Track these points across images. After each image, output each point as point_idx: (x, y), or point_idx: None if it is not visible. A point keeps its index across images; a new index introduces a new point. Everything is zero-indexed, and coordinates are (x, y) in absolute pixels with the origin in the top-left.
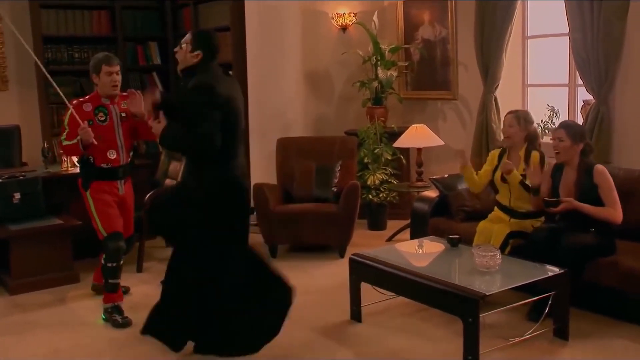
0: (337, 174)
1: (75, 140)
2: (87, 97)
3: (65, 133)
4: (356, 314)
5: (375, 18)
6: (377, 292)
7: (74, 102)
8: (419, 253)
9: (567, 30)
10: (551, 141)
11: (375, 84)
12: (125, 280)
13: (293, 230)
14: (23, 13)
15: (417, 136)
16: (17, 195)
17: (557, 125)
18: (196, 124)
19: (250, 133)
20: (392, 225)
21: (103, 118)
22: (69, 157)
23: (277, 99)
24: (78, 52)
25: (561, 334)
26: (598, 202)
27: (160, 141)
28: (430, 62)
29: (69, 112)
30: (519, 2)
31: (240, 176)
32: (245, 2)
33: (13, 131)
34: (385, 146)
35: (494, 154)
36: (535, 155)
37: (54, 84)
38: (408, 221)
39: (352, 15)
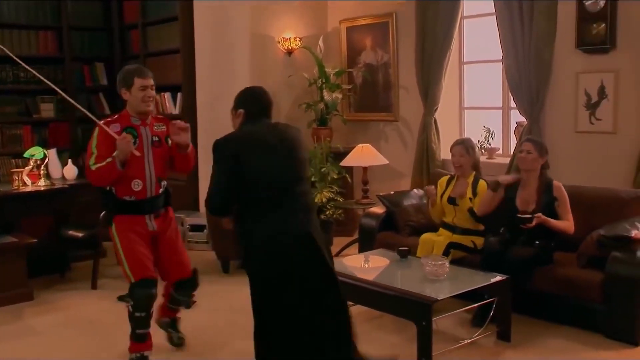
0: None
1: (110, 159)
2: (115, 116)
3: (93, 157)
4: None
5: (320, 42)
6: None
7: (101, 121)
8: (372, 265)
9: (500, 56)
10: (519, 154)
11: (321, 105)
12: (81, 297)
13: None
14: None
15: (363, 155)
16: None
17: (524, 140)
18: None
19: (200, 153)
20: (338, 241)
21: (132, 141)
22: (20, 176)
23: (226, 120)
24: (24, 71)
25: (504, 336)
26: (553, 214)
27: None
28: (373, 86)
29: (95, 133)
30: (456, 30)
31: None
32: (195, 25)
33: None
34: (331, 165)
35: (442, 180)
36: (482, 184)
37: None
38: (354, 237)
39: (298, 39)
